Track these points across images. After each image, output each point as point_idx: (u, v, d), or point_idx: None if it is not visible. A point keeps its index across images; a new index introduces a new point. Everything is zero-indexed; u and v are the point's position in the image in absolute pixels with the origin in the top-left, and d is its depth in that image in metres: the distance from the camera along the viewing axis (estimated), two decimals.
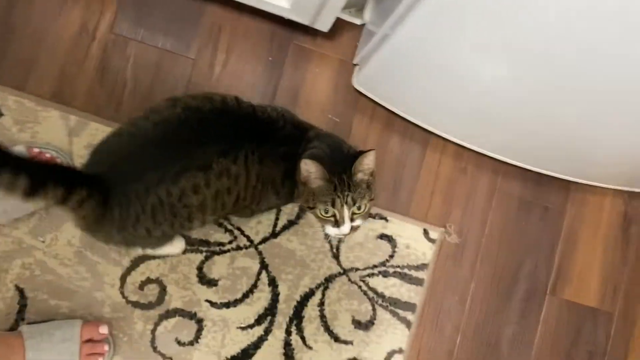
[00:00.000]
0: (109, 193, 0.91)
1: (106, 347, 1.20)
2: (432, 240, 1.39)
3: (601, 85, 0.95)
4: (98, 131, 1.28)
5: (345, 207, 1.00)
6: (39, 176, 0.81)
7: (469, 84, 1.08)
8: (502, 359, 1.41)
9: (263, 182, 1.02)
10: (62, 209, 0.87)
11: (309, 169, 0.98)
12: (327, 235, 1.32)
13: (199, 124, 0.97)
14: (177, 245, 1.25)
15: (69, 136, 1.27)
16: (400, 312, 1.37)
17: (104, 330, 1.20)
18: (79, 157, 1.26)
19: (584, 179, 1.39)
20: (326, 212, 1.02)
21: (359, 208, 1.02)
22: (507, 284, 1.43)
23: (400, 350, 1.35)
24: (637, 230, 1.50)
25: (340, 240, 1.35)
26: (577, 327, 1.45)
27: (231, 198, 0.99)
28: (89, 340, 1.19)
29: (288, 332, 1.32)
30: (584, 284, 1.46)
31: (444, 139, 1.39)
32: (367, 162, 1.00)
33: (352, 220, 1.02)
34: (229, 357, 1.29)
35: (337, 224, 1.02)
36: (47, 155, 1.21)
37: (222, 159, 0.94)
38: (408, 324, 1.36)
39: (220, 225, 1.31)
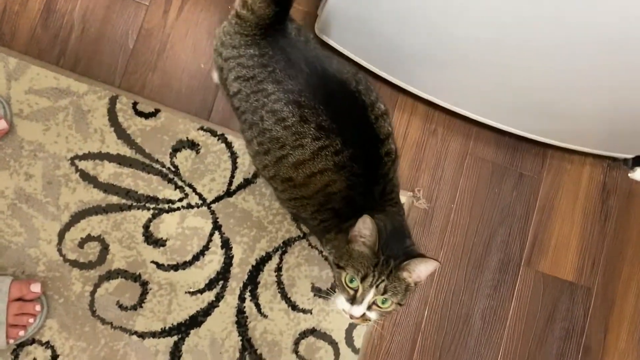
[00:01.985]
0: None
1: (38, 308, 1.09)
2: None
3: (579, 36, 0.89)
4: (40, 75, 1.19)
5: (372, 289, 0.86)
6: None
7: (429, 27, 1.01)
8: (474, 333, 1.31)
9: (326, 195, 0.94)
10: None
11: (365, 229, 0.85)
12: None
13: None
14: None
15: (8, 80, 1.18)
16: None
17: (36, 288, 1.09)
18: (18, 102, 1.17)
19: (561, 142, 1.32)
20: (350, 282, 0.88)
21: (383, 302, 0.87)
22: (479, 254, 1.34)
23: None
24: (616, 202, 1.42)
25: None
26: (553, 301, 1.36)
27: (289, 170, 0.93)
28: (19, 299, 1.08)
29: (241, 299, 1.22)
30: (560, 256, 1.38)
31: (412, 96, 1.31)
32: (423, 270, 0.87)
33: (369, 307, 0.88)
34: (175, 323, 1.18)
35: (353, 300, 0.87)
36: None
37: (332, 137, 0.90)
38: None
39: (170, 181, 1.21)
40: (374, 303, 0.87)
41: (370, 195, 0.94)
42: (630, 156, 1.37)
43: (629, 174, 1.43)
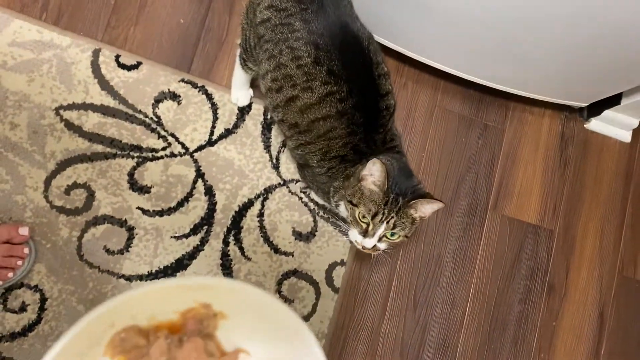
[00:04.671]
0: None
1: (26, 250, 1.12)
2: None
3: None
4: (23, 29, 1.22)
5: (383, 224, 0.95)
6: None
7: None
8: (446, 273, 1.39)
9: (328, 140, 1.01)
10: None
11: (375, 171, 0.93)
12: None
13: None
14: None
15: None
16: (342, 224, 1.33)
17: (24, 231, 1.12)
18: (2, 54, 1.20)
19: (522, 90, 1.41)
20: (363, 217, 0.97)
21: (392, 235, 0.98)
22: (449, 199, 1.42)
23: (342, 262, 1.32)
24: (574, 151, 1.53)
25: (279, 152, 1.32)
26: (519, 243, 1.45)
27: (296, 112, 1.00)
28: (7, 242, 1.11)
29: (226, 243, 1.27)
30: (524, 201, 1.47)
31: (383, 50, 1.38)
32: (429, 209, 0.96)
33: (379, 239, 0.98)
34: (162, 267, 1.23)
35: (365, 234, 0.98)
36: None
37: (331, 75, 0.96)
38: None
39: (153, 130, 1.26)
40: (384, 236, 0.97)
41: (372, 142, 1.02)
42: (584, 104, 1.48)
43: (585, 125, 1.54)
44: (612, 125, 1.53)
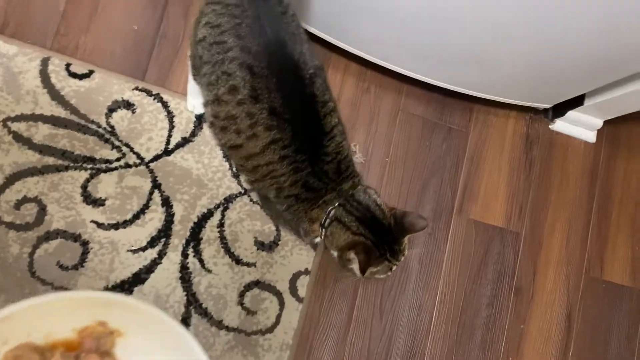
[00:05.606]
0: None
1: None
2: None
3: None
4: None
5: (397, 263, 1.00)
6: None
7: None
8: (412, 277, 1.37)
9: (273, 179, 0.98)
10: None
11: (355, 260, 0.94)
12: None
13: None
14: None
15: None
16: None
17: None
18: None
19: (485, 94, 1.40)
20: (381, 274, 1.01)
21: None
22: (414, 204, 1.41)
23: (306, 271, 1.29)
24: (539, 152, 1.52)
25: None
26: (485, 246, 1.44)
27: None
28: None
29: (185, 255, 1.23)
30: (490, 204, 1.46)
31: (345, 55, 1.36)
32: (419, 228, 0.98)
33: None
34: (118, 281, 1.19)
35: (390, 269, 1.01)
36: None
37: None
38: (314, 244, 1.31)
39: (106, 141, 1.22)
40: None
41: (324, 174, 0.97)
42: (548, 106, 1.47)
43: (550, 126, 1.54)
44: (576, 126, 1.53)
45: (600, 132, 1.56)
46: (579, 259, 1.50)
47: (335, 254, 1.02)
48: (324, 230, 1.00)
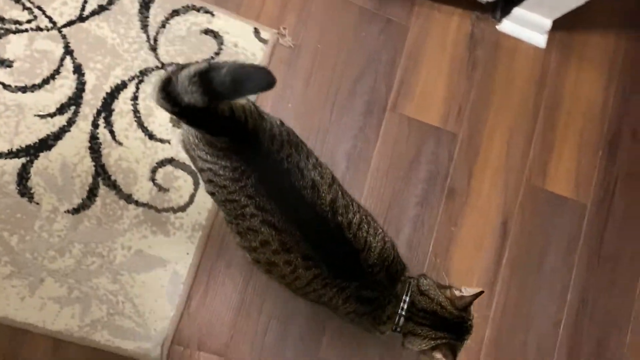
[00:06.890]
0: None
1: None
2: (263, 41, 1.30)
3: None
4: None
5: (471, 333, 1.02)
6: None
7: None
8: (338, 173, 1.32)
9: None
10: None
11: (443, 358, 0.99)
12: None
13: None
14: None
15: None
16: None
17: None
18: None
19: None
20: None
21: None
22: (345, 96, 1.35)
23: None
24: (483, 53, 1.46)
25: (157, 32, 1.25)
26: (418, 145, 1.39)
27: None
28: None
29: (95, 125, 1.20)
30: (427, 102, 1.40)
31: None
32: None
33: None
34: (23, 145, 1.16)
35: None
36: None
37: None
38: None
39: (17, 1, 1.18)
40: None
41: (378, 285, 1.00)
42: None
43: (497, 26, 1.47)
44: (525, 27, 1.46)
45: (551, 38, 1.49)
46: (519, 166, 1.44)
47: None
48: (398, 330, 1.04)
